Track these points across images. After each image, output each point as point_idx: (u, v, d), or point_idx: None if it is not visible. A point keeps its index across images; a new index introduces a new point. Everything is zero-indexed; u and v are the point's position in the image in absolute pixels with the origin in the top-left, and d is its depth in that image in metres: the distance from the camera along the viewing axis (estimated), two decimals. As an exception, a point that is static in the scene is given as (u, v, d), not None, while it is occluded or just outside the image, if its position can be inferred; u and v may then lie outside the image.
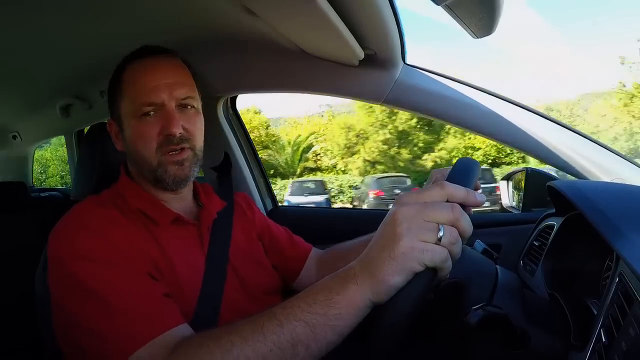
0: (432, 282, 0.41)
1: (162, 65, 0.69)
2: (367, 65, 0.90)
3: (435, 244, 0.40)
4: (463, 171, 0.49)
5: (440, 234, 0.40)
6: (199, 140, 0.71)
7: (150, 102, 0.66)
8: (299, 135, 16.03)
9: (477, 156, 12.96)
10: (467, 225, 0.41)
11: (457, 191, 0.43)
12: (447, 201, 0.42)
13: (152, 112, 0.66)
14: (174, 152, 0.67)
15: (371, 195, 9.97)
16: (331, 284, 0.43)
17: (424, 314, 0.49)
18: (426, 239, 0.40)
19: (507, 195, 1.15)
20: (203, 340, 0.48)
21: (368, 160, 13.84)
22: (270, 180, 1.39)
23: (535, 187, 0.99)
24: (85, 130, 1.52)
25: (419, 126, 13.23)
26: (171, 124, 0.65)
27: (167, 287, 0.60)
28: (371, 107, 12.48)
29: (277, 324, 0.43)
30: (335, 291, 0.42)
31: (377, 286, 0.41)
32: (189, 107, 0.70)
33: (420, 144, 13.43)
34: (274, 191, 1.39)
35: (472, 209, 0.65)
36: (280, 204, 1.39)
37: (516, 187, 1.12)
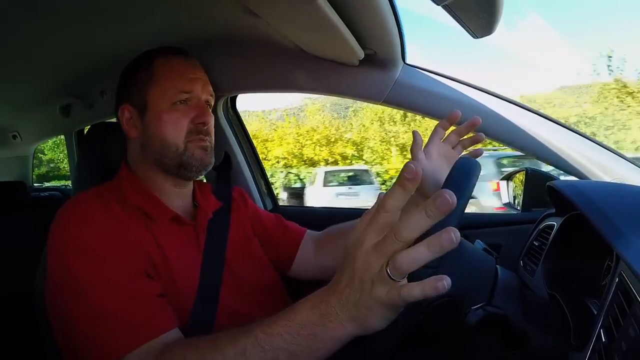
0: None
1: (193, 63, 0.74)
2: (367, 65, 0.90)
3: (395, 283, 0.37)
4: (463, 171, 0.49)
5: (388, 273, 0.36)
6: (214, 137, 0.75)
7: (187, 90, 0.70)
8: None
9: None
10: (410, 236, 0.36)
11: (392, 205, 0.37)
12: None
13: (185, 101, 0.70)
14: (200, 139, 0.71)
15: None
16: (314, 318, 0.42)
17: (417, 332, 0.49)
18: (387, 288, 0.37)
19: (507, 195, 1.15)
20: (186, 353, 0.48)
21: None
22: (269, 180, 1.39)
23: (535, 187, 0.99)
24: (85, 130, 1.52)
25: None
26: (205, 114, 0.71)
27: (162, 286, 0.60)
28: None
29: (260, 350, 0.43)
30: (319, 327, 0.41)
31: (363, 328, 0.40)
32: (209, 106, 0.75)
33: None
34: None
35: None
36: (281, 204, 1.39)
37: (516, 187, 1.12)
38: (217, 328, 0.64)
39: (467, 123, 0.71)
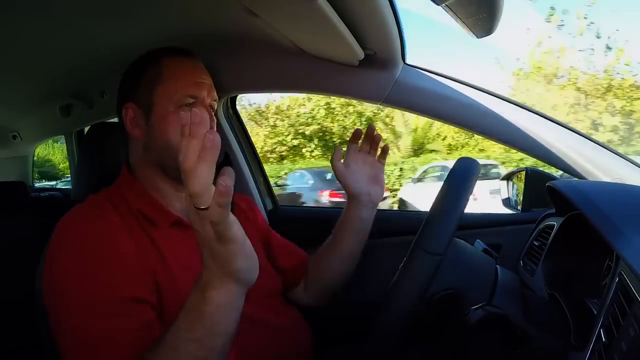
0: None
1: (200, 66, 0.75)
2: (367, 65, 0.90)
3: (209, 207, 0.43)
4: (463, 170, 0.49)
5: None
6: None
7: (194, 95, 0.71)
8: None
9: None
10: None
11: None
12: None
13: (191, 104, 0.70)
14: None
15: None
16: (195, 300, 0.49)
17: (419, 325, 0.49)
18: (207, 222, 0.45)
19: (507, 195, 1.15)
20: None
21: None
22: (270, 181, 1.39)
23: (535, 187, 0.99)
24: (86, 130, 1.52)
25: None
26: (210, 119, 0.70)
27: (159, 305, 0.61)
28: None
29: (170, 348, 0.50)
30: (203, 303, 0.48)
31: (236, 279, 0.48)
32: (213, 109, 0.75)
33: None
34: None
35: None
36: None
37: (516, 187, 1.12)
38: None
39: (367, 133, 0.87)
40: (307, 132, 12.32)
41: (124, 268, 0.59)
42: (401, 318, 0.41)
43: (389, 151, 0.89)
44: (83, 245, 0.58)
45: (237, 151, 1.23)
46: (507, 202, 1.14)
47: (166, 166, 0.70)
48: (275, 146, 12.54)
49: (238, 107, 1.31)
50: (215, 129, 0.73)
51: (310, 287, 0.90)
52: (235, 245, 0.47)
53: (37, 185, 2.80)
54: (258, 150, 1.35)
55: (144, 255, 0.62)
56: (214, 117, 0.73)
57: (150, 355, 0.51)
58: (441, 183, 0.52)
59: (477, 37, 0.71)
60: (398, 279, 0.46)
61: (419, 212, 1.56)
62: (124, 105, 0.72)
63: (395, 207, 8.13)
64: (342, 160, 0.85)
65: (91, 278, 0.56)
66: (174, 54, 0.73)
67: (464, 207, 0.50)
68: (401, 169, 9.76)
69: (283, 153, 12.65)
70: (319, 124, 12.23)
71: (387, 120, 12.25)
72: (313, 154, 12.33)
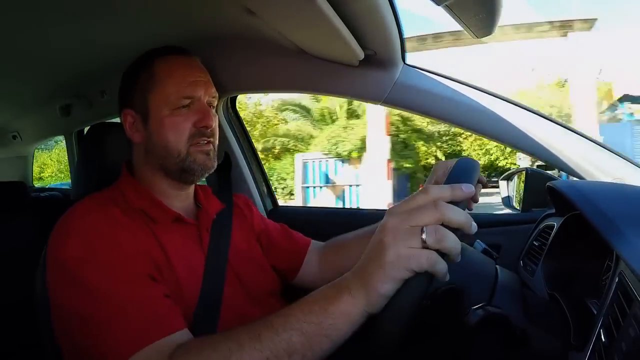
0: (428, 287, 0.41)
1: (195, 64, 0.73)
2: (367, 66, 0.90)
3: (423, 247, 0.40)
4: (463, 171, 0.49)
5: (424, 236, 0.40)
6: (217, 138, 0.75)
7: (189, 95, 0.69)
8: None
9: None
10: (456, 218, 0.41)
11: (442, 191, 0.43)
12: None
13: (187, 105, 0.69)
14: (202, 143, 0.70)
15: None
16: (327, 294, 0.44)
17: (421, 321, 0.49)
18: (411, 244, 0.40)
19: (507, 195, 1.15)
20: (201, 346, 0.48)
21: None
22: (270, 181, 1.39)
23: (535, 187, 0.99)
24: (85, 131, 1.52)
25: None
26: (208, 118, 0.70)
27: (167, 288, 0.60)
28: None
29: (273, 332, 0.44)
30: (330, 301, 0.43)
31: (369, 296, 0.42)
32: (212, 106, 0.74)
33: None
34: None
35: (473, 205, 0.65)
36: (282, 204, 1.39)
37: (516, 187, 1.12)
38: (221, 328, 0.64)
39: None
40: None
41: (134, 251, 0.59)
42: (399, 323, 0.41)
43: None
44: (91, 233, 0.58)
45: (237, 151, 1.23)
46: (506, 202, 1.14)
47: (167, 169, 0.71)
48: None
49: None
50: (217, 126, 0.74)
51: (324, 272, 0.87)
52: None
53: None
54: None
55: (147, 243, 0.63)
56: (215, 114, 0.73)
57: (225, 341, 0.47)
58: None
59: (477, 37, 0.71)
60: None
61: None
62: (122, 111, 0.73)
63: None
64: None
65: (107, 262, 0.56)
66: (167, 54, 0.72)
67: (463, 209, 0.50)
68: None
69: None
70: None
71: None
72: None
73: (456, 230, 0.41)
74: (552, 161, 0.89)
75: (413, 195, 0.44)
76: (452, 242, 0.40)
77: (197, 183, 0.79)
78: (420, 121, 11.06)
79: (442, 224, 0.41)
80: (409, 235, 0.41)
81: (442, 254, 0.40)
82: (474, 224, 0.42)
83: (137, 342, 0.50)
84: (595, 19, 7.81)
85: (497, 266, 0.63)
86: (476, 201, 0.63)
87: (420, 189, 0.45)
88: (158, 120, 0.69)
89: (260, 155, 1.33)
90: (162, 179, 0.72)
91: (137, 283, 0.56)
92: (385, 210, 0.45)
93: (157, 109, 0.69)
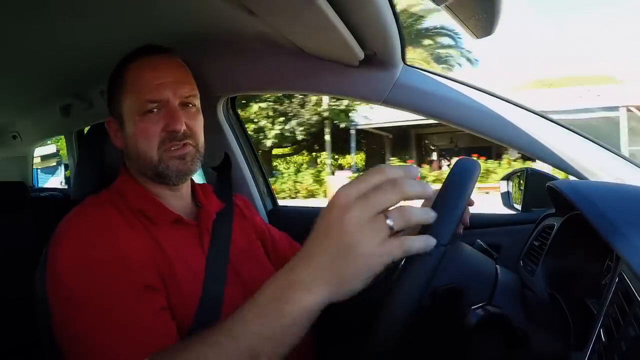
0: (420, 281, 0.41)
1: (165, 64, 0.70)
2: (367, 66, 0.90)
3: (391, 234, 0.39)
4: (462, 171, 0.49)
5: (390, 222, 0.38)
6: (201, 138, 0.73)
7: (154, 99, 0.67)
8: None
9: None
10: (415, 189, 0.39)
11: (396, 170, 0.41)
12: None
13: (155, 110, 0.67)
14: (175, 148, 0.68)
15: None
16: (278, 295, 0.41)
17: (421, 321, 0.49)
18: (381, 236, 0.38)
19: (507, 195, 1.15)
20: (171, 356, 0.47)
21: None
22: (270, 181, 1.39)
23: (535, 187, 0.99)
24: (85, 131, 1.52)
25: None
26: (175, 121, 0.67)
27: (166, 297, 0.60)
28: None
29: (232, 340, 0.42)
30: (284, 301, 0.40)
31: (337, 290, 0.40)
32: (191, 105, 0.71)
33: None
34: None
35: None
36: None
37: (516, 187, 1.12)
38: None
39: None
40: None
41: (133, 259, 0.59)
42: (407, 308, 0.41)
43: None
44: (90, 240, 0.58)
45: (237, 151, 1.23)
46: (506, 202, 1.14)
47: (145, 174, 0.71)
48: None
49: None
50: (196, 126, 0.71)
51: None
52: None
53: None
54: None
55: (147, 249, 0.62)
56: (194, 115, 0.71)
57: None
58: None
59: (477, 37, 0.71)
60: (405, 266, 0.46)
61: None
62: (108, 119, 0.74)
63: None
64: None
65: (104, 271, 0.56)
66: (136, 57, 0.71)
67: (467, 201, 0.50)
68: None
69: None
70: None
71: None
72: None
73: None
74: (552, 161, 0.89)
75: (363, 176, 0.41)
76: (420, 213, 0.40)
77: (194, 181, 0.79)
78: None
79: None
80: (374, 227, 0.38)
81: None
82: (430, 188, 0.41)
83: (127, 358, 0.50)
84: None
85: (497, 266, 0.63)
86: (471, 204, 0.62)
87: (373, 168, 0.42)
88: (131, 126, 0.69)
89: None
90: (148, 181, 0.72)
91: (132, 297, 0.55)
92: None
93: (128, 116, 0.69)
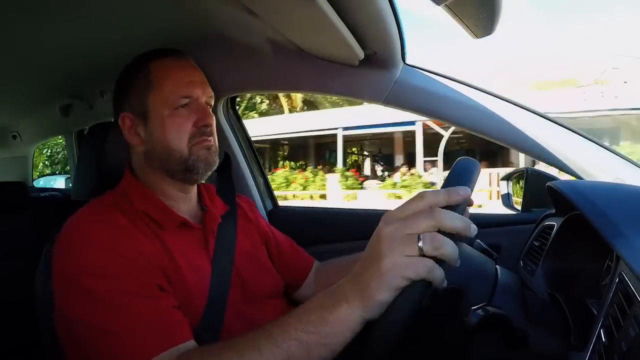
0: (426, 293, 0.41)
1: (189, 65, 0.74)
2: (367, 65, 0.90)
3: (420, 255, 0.40)
4: (462, 172, 0.49)
5: (420, 244, 0.40)
6: (216, 138, 0.75)
7: (187, 95, 0.70)
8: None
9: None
10: (452, 224, 0.40)
11: (437, 196, 0.42)
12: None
13: (185, 105, 0.70)
14: (204, 141, 0.71)
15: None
16: (323, 303, 0.44)
17: (421, 322, 0.49)
18: (408, 252, 0.40)
19: (507, 195, 1.15)
20: (202, 356, 0.49)
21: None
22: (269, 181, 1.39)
23: (535, 187, 0.99)
24: (86, 131, 1.52)
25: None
26: (207, 116, 0.71)
27: (175, 297, 0.60)
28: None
29: (272, 343, 0.44)
30: (327, 310, 0.43)
31: (366, 303, 0.41)
32: (210, 106, 0.74)
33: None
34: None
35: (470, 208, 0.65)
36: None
37: (516, 187, 1.12)
38: (226, 331, 0.64)
39: None
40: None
41: (142, 261, 0.59)
42: (396, 329, 0.41)
43: None
44: (96, 245, 0.58)
45: (237, 151, 1.23)
46: (506, 202, 1.14)
47: (170, 170, 0.70)
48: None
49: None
50: (214, 127, 0.74)
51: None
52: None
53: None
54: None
55: (154, 251, 0.63)
56: (213, 115, 0.73)
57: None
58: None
59: (477, 37, 0.70)
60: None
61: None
62: (119, 115, 0.73)
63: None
64: None
65: (114, 273, 0.56)
66: (161, 56, 0.72)
67: (464, 209, 0.50)
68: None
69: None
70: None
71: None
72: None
73: (452, 236, 0.40)
74: (552, 161, 0.89)
75: (408, 201, 0.43)
76: (449, 249, 0.40)
77: (201, 182, 0.79)
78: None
79: (439, 231, 0.40)
80: (405, 243, 0.40)
81: (440, 261, 0.40)
82: (474, 226, 0.41)
83: (146, 353, 0.51)
84: None
85: (497, 266, 0.63)
86: (471, 204, 0.62)
87: (416, 194, 0.45)
88: (158, 121, 0.69)
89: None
90: (165, 181, 0.71)
91: (146, 294, 0.56)
92: (385, 211, 0.45)
93: (157, 110, 0.69)
